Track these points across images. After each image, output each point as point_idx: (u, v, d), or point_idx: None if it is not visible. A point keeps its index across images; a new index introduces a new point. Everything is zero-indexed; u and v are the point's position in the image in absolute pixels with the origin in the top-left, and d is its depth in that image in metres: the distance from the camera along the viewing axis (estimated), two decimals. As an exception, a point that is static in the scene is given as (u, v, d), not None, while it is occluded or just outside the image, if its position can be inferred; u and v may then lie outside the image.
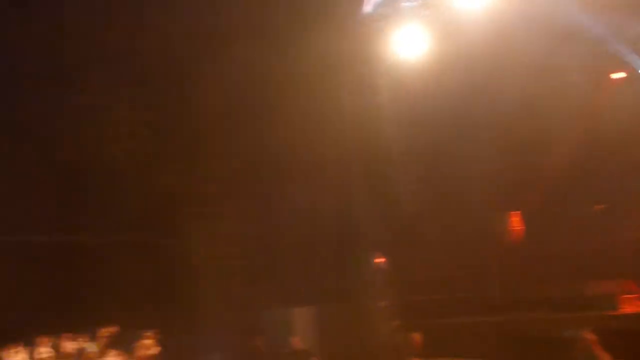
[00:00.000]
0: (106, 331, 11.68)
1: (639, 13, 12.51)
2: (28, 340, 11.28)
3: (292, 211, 15.53)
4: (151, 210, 14.84)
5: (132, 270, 14.11)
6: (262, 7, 14.17)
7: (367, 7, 14.35)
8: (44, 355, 11.11)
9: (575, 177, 13.41)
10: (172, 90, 14.90)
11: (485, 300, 13.65)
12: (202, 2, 14.14)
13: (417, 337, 12.21)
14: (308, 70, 14.62)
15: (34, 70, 13.78)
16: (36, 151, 14.20)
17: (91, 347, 11.41)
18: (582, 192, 13.45)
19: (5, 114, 13.88)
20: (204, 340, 14.98)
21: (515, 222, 14.14)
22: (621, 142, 12.89)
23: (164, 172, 14.80)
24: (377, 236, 14.94)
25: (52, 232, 14.33)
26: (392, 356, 12.98)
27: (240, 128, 15.29)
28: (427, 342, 12.16)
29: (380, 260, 14.86)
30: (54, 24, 13.64)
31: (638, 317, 11.18)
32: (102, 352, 11.47)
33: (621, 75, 13.68)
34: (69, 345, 11.37)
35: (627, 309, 11.61)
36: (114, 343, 11.66)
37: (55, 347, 11.31)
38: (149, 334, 11.84)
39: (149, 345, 11.74)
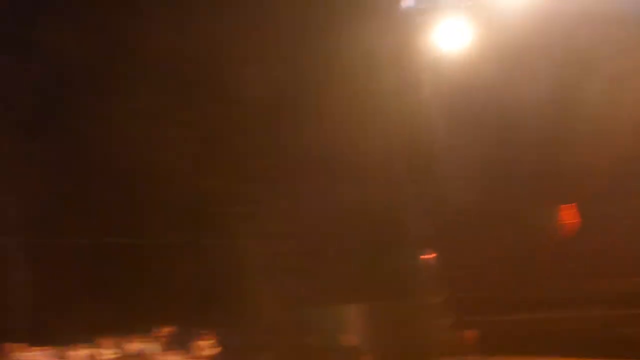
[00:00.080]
0: (165, 331, 11.83)
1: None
2: (90, 341, 11.48)
3: (339, 209, 15.57)
4: (200, 212, 15.01)
5: (186, 271, 14.27)
6: (304, 6, 14.28)
7: (408, 2, 14.37)
8: (108, 356, 11.29)
9: (629, 171, 13.20)
10: (216, 90, 15.04)
11: (538, 297, 13.52)
12: (246, 1, 14.27)
13: (471, 334, 12.16)
14: (350, 67, 14.68)
15: (84, 75, 14.03)
16: (87, 155, 14.44)
17: (152, 348, 11.57)
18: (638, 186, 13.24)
19: (55, 118, 14.14)
20: (257, 339, 15.07)
21: (569, 215, 13.97)
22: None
23: (212, 174, 14.94)
24: (425, 232, 14.91)
25: (105, 235, 14.54)
26: (445, 353, 12.95)
27: (284, 127, 15.38)
28: (481, 339, 12.11)
29: (430, 256, 14.84)
30: (102, 28, 13.86)
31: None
32: (162, 352, 11.63)
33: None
34: (131, 346, 11.54)
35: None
36: (173, 343, 11.81)
37: (118, 348, 11.48)
38: (205, 333, 11.98)
39: (206, 345, 11.88)
